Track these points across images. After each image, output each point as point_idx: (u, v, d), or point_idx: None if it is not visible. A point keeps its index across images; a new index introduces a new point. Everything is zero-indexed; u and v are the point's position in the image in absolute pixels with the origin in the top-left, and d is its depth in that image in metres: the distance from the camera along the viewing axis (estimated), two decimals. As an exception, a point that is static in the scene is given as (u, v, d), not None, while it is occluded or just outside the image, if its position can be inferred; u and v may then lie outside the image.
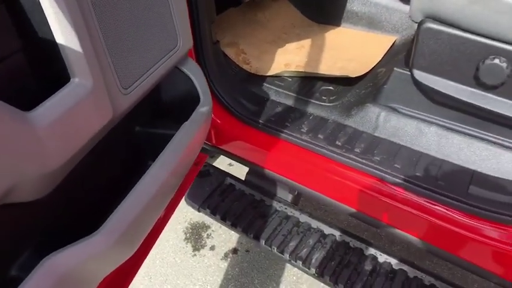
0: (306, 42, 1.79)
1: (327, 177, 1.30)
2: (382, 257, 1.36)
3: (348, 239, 1.43)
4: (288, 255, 1.40)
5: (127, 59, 0.85)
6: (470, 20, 1.05)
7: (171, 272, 1.90)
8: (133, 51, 0.87)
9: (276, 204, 1.56)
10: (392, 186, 1.20)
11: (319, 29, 1.88)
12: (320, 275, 1.34)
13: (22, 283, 0.59)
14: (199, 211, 1.61)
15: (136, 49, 0.87)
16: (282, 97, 1.53)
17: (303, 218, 1.50)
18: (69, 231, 0.78)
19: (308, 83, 1.57)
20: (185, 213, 2.13)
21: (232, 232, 2.04)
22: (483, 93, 1.14)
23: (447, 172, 1.19)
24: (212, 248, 2.00)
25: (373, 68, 1.57)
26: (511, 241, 1.10)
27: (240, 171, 2.25)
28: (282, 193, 1.59)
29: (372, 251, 1.38)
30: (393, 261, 1.35)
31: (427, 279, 1.28)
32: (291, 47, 1.77)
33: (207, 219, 2.12)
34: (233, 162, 2.33)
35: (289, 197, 1.59)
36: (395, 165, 1.21)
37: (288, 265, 1.89)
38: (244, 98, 1.50)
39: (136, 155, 1.12)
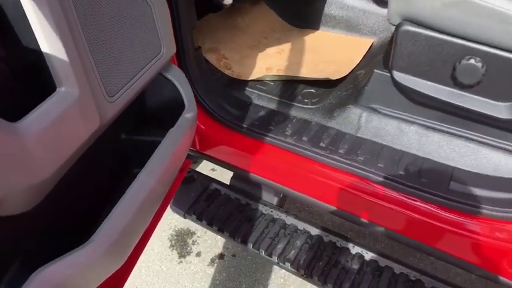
0: (286, 46, 1.81)
1: (313, 179, 1.31)
2: (368, 255, 1.39)
3: (334, 238, 1.45)
4: (276, 258, 1.41)
5: (112, 66, 0.84)
6: (445, 22, 1.09)
7: (158, 281, 1.88)
8: (118, 59, 0.86)
9: (261, 208, 1.56)
10: (377, 185, 1.22)
11: (298, 33, 1.91)
12: (309, 276, 1.35)
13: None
14: (185, 217, 1.60)
15: (121, 57, 0.87)
16: (264, 101, 1.54)
17: (289, 220, 1.52)
18: (59, 241, 0.77)
19: (290, 86, 1.59)
20: (169, 221, 2.12)
21: (218, 237, 2.03)
22: (460, 92, 1.18)
23: (428, 169, 1.22)
24: (198, 254, 1.99)
25: (352, 70, 1.60)
26: (489, 233, 1.14)
27: (223, 175, 2.25)
28: (268, 196, 1.60)
29: (358, 249, 1.41)
30: (379, 259, 1.37)
31: (413, 275, 1.31)
32: (271, 51, 1.79)
33: (192, 225, 2.10)
34: (216, 167, 2.33)
35: (274, 200, 1.60)
36: (379, 164, 1.24)
37: (275, 268, 1.90)
38: (227, 102, 1.51)
39: (122, 163, 1.10)
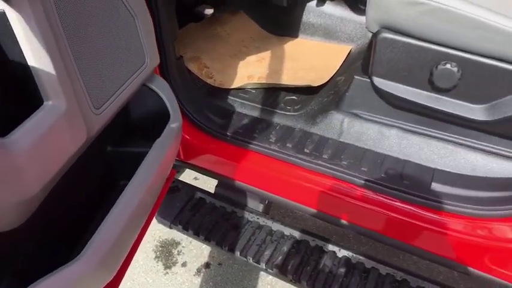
0: (266, 54, 1.84)
1: (298, 185, 1.33)
2: (355, 258, 1.41)
3: (320, 243, 1.46)
4: (264, 264, 1.41)
5: (97, 78, 0.84)
6: (421, 29, 1.13)
7: (144, 293, 1.86)
8: (103, 71, 0.86)
9: (247, 215, 1.57)
10: (361, 189, 1.25)
11: (278, 41, 1.94)
12: (297, 281, 1.36)
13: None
14: (171, 228, 1.59)
15: (106, 68, 0.87)
16: (247, 109, 1.55)
17: (276, 226, 1.53)
18: (49, 254, 0.76)
19: (272, 93, 1.61)
20: (153, 231, 2.09)
21: (204, 246, 2.02)
22: (438, 96, 1.22)
23: (410, 171, 1.26)
24: (184, 264, 1.97)
25: (332, 76, 1.63)
26: (471, 231, 1.17)
27: (206, 184, 2.25)
28: (253, 203, 1.61)
29: (344, 252, 1.43)
30: (365, 261, 1.40)
31: (399, 275, 1.34)
32: (252, 59, 1.81)
33: (176, 235, 2.09)
34: (198, 175, 2.32)
35: (260, 207, 1.61)
36: (362, 168, 1.27)
37: (261, 275, 1.90)
38: (210, 111, 1.51)
39: (108, 175, 1.09)
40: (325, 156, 1.31)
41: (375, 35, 1.22)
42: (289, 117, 1.50)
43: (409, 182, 1.22)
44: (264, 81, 1.65)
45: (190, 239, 2.00)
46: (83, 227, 0.94)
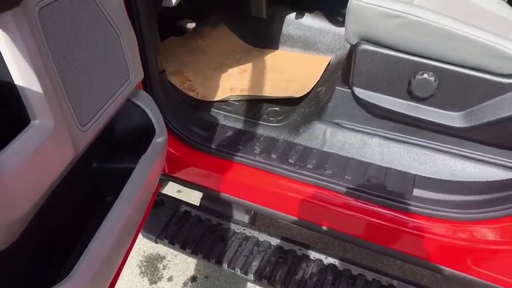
0: (248, 66, 1.86)
1: (284, 195, 1.34)
2: (341, 265, 1.43)
3: (307, 252, 1.47)
4: (252, 276, 1.41)
5: (84, 96, 0.84)
6: (399, 41, 1.17)
7: (129, 310, 1.82)
8: (89, 88, 0.86)
9: (234, 226, 1.57)
10: (346, 197, 1.27)
11: (259, 53, 1.96)
12: (286, 291, 1.37)
13: None
14: (156, 242, 1.57)
15: (92, 86, 0.87)
16: (231, 121, 1.56)
17: (262, 237, 1.53)
18: (38, 273, 0.74)
19: (255, 105, 1.63)
20: (138, 246, 2.06)
21: (190, 259, 2.01)
22: (416, 104, 1.26)
23: (392, 178, 1.29)
24: (170, 278, 1.95)
25: (313, 87, 1.66)
26: (453, 234, 1.21)
27: (190, 196, 2.24)
28: (239, 214, 1.61)
29: (330, 260, 1.44)
30: (351, 267, 1.41)
31: (385, 280, 1.36)
32: (234, 71, 1.83)
33: (161, 249, 2.06)
34: (182, 188, 2.30)
35: (246, 218, 1.61)
36: (346, 176, 1.29)
37: (249, 285, 1.89)
38: (194, 124, 1.51)
39: (94, 191, 1.08)
40: (309, 166, 1.33)
41: (355, 46, 1.26)
42: (273, 128, 1.51)
43: (391, 189, 1.25)
44: (246, 93, 1.67)
45: (175, 252, 1.98)
46: (71, 245, 0.93)
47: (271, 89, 1.70)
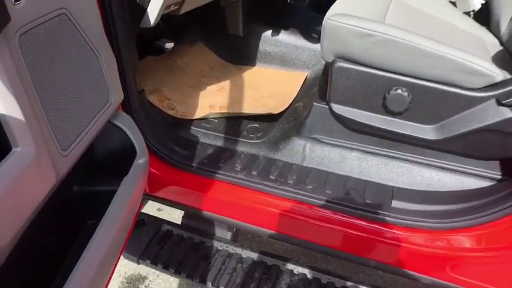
0: (226, 84, 1.88)
1: (266, 211, 1.35)
2: (324, 278, 1.44)
3: (290, 266, 1.48)
4: (237, 293, 1.41)
5: (64, 121, 0.84)
6: (373, 58, 1.22)
7: (111, 334, 1.78)
8: (70, 113, 0.86)
9: (216, 244, 1.56)
10: (327, 210, 1.29)
11: (237, 70, 1.99)
12: (271, 306, 1.37)
13: None
14: (138, 263, 1.55)
15: (72, 110, 0.86)
16: (211, 139, 1.57)
17: (245, 253, 1.53)
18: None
19: (234, 122, 1.64)
20: (119, 267, 2.02)
21: (172, 279, 1.98)
22: (391, 118, 1.31)
23: (371, 191, 1.32)
24: (152, 299, 1.92)
25: (291, 103, 1.69)
26: (431, 243, 1.24)
27: (170, 215, 2.22)
28: (221, 232, 1.61)
29: (314, 273, 1.45)
30: (335, 280, 1.43)
31: (368, 292, 1.38)
32: (212, 89, 1.84)
33: (142, 269, 2.03)
34: (162, 206, 2.28)
35: (228, 235, 1.61)
36: (327, 191, 1.32)
37: (233, 303, 1.88)
38: (174, 143, 1.51)
39: (76, 215, 1.07)
40: (290, 181, 1.35)
41: (331, 64, 1.30)
42: (253, 145, 1.53)
43: (370, 201, 1.29)
44: (225, 111, 1.68)
45: (157, 272, 1.95)
46: (53, 271, 0.91)
47: (250, 106, 1.72)
